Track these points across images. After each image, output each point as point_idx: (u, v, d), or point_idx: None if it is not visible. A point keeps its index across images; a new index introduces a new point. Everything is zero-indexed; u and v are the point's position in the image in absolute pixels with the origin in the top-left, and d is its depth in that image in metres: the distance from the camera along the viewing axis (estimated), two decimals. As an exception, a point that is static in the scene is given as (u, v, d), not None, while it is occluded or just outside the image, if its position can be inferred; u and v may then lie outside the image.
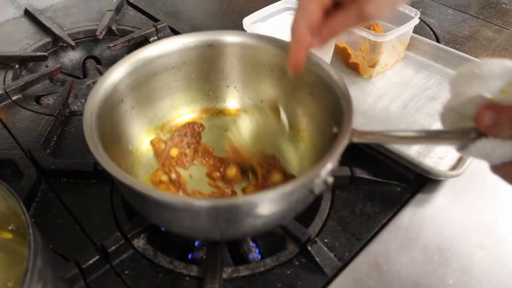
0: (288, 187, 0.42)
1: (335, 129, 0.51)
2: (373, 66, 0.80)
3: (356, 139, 0.47)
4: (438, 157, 0.66)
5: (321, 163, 0.44)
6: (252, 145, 0.60)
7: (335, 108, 0.52)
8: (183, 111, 0.68)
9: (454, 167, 0.64)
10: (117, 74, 0.57)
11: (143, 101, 0.62)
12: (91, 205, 0.61)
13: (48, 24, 0.98)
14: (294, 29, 0.49)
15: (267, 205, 0.45)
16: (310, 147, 0.61)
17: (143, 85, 0.61)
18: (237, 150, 0.60)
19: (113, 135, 0.56)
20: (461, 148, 0.43)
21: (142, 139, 0.63)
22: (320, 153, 0.56)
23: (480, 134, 0.40)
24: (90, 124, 0.49)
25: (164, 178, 0.60)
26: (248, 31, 0.77)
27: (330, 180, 0.46)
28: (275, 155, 0.62)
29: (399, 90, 0.80)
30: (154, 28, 0.97)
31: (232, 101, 0.68)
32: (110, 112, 0.55)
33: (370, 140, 0.51)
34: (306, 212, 0.60)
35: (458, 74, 0.42)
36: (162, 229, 0.60)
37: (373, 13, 0.44)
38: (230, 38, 0.63)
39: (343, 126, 0.48)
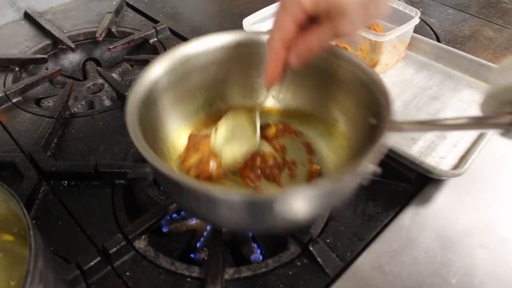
0: (339, 179, 0.42)
1: (372, 121, 0.50)
2: (373, 66, 0.80)
3: (397, 130, 0.47)
4: (440, 157, 0.66)
5: (367, 154, 0.43)
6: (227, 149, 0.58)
7: (369, 100, 0.51)
8: (221, 108, 0.66)
9: (456, 167, 0.64)
10: (157, 70, 0.56)
11: (181, 96, 0.61)
12: (92, 207, 0.60)
13: (48, 26, 0.98)
14: (269, 45, 0.49)
15: (322, 197, 0.44)
16: (344, 140, 0.60)
17: (183, 81, 0.60)
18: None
19: (150, 128, 0.55)
20: (504, 134, 0.43)
21: (179, 134, 0.62)
22: (355, 145, 0.55)
23: None
24: (132, 115, 0.48)
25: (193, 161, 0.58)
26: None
27: (374, 168, 0.46)
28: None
29: (400, 90, 0.80)
30: (154, 30, 0.97)
31: (270, 100, 0.67)
32: (150, 106, 0.54)
33: (413, 129, 0.50)
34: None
35: (499, 66, 0.43)
36: (164, 230, 0.60)
37: (347, 30, 0.45)
38: (264, 38, 0.60)
39: (384, 117, 0.47)
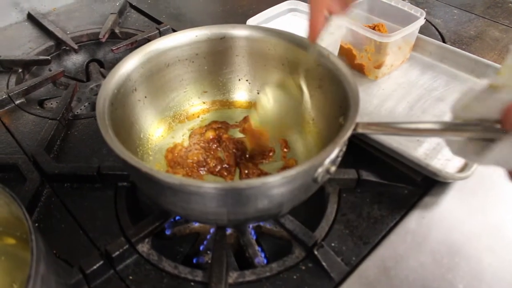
0: (291, 172, 0.42)
1: (341, 120, 0.52)
2: (378, 67, 0.79)
3: (360, 130, 0.48)
4: (446, 159, 0.65)
5: (325, 151, 0.44)
6: (273, 123, 0.60)
7: (342, 100, 0.53)
8: (195, 102, 0.69)
9: (462, 169, 0.64)
10: (131, 63, 0.58)
11: (156, 91, 0.64)
12: (94, 210, 0.60)
13: (51, 27, 0.98)
14: None
15: (270, 189, 0.45)
16: (317, 139, 0.62)
17: (156, 75, 0.63)
18: (256, 131, 0.61)
19: (126, 122, 0.58)
20: (475, 153, 0.42)
21: (154, 128, 0.65)
22: (326, 144, 0.56)
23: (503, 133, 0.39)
24: (103, 110, 0.50)
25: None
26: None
27: (333, 169, 0.47)
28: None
29: (405, 91, 0.79)
30: (157, 31, 0.96)
31: (242, 93, 0.70)
32: (123, 100, 0.56)
33: (375, 131, 0.51)
34: (312, 216, 0.60)
35: (459, 104, 0.43)
36: (167, 232, 0.60)
37: None
38: (241, 31, 0.65)
39: (349, 117, 0.48)
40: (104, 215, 0.59)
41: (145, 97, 0.62)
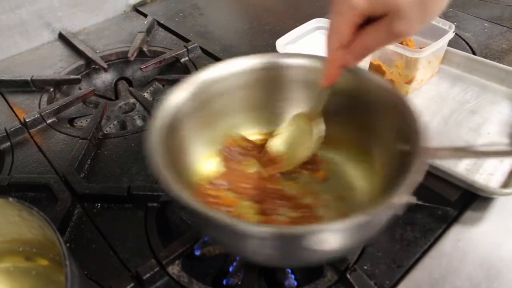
0: (373, 213, 0.40)
1: (405, 147, 0.48)
2: (409, 82, 0.78)
3: (432, 157, 0.46)
4: (488, 174, 0.63)
5: (399, 188, 0.42)
6: (287, 153, 0.60)
7: (400, 126, 0.50)
8: (247, 132, 0.65)
9: (506, 184, 0.62)
10: (180, 95, 0.56)
11: (205, 122, 0.60)
12: (125, 230, 0.60)
13: (81, 47, 1.00)
14: (328, 48, 0.49)
15: (355, 230, 0.42)
16: (377, 167, 0.58)
17: (206, 106, 0.59)
18: (273, 158, 0.61)
19: (175, 156, 0.53)
20: None
21: (204, 161, 0.61)
22: (387, 171, 0.53)
23: None
24: (155, 148, 0.47)
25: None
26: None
27: (412, 200, 0.44)
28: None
29: (437, 106, 0.78)
30: (185, 49, 0.97)
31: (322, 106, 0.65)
32: (173, 132, 0.54)
33: (446, 157, 0.49)
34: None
35: None
36: (196, 253, 0.60)
37: (403, 30, 0.43)
38: (288, 60, 0.61)
39: (415, 144, 0.45)
40: (134, 236, 0.59)
41: (194, 129, 0.59)
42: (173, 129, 0.53)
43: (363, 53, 0.48)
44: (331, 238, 0.42)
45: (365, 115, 0.58)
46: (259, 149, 0.64)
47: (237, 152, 0.63)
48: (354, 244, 0.47)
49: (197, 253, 0.60)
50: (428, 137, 0.45)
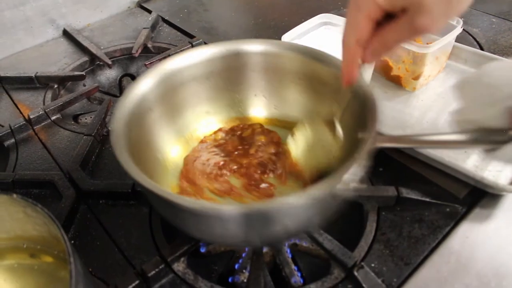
0: (310, 193, 0.41)
1: (361, 134, 0.49)
2: (416, 78, 0.77)
3: (380, 144, 0.46)
4: (497, 170, 0.62)
5: (342, 168, 0.42)
6: (306, 160, 0.60)
7: (360, 113, 0.50)
8: (211, 120, 0.68)
9: None
10: (146, 84, 0.58)
11: (171, 110, 0.63)
12: (129, 227, 0.60)
13: (85, 43, 1.00)
14: (344, 44, 0.47)
15: (291, 211, 0.43)
16: (337, 153, 0.58)
17: (171, 94, 0.62)
18: (293, 164, 0.61)
19: (142, 143, 0.57)
20: (488, 151, 0.41)
21: (171, 146, 0.63)
22: (345, 159, 0.53)
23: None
24: (118, 132, 0.49)
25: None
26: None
27: (354, 185, 0.44)
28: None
29: (445, 101, 0.77)
30: (190, 45, 0.97)
31: (260, 109, 0.69)
32: (139, 120, 0.56)
33: (396, 145, 0.49)
34: (350, 234, 0.58)
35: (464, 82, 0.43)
36: (202, 250, 0.59)
37: (426, 25, 0.41)
38: (255, 46, 0.63)
39: (367, 130, 0.46)
40: (139, 232, 0.59)
41: (161, 116, 0.61)
42: (139, 117, 0.55)
43: (382, 51, 0.46)
44: (282, 215, 0.43)
45: (330, 102, 0.59)
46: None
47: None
48: (310, 221, 0.48)
49: (203, 250, 0.59)
50: (379, 124, 0.46)
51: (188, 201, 0.43)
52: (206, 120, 0.67)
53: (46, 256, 0.51)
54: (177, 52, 0.93)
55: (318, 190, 0.41)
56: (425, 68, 0.75)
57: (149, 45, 1.01)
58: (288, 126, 0.64)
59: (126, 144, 0.49)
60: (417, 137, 0.46)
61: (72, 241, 0.59)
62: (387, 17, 0.44)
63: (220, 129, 0.67)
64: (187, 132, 0.66)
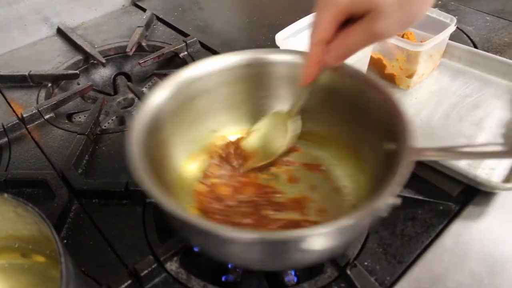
0: (354, 217, 0.39)
1: (391, 146, 0.47)
2: (410, 76, 0.77)
3: (418, 158, 0.44)
4: (490, 168, 0.63)
5: (384, 191, 0.40)
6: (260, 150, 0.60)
7: (388, 125, 0.49)
8: (230, 131, 0.65)
9: (507, 179, 0.61)
10: (161, 95, 0.55)
11: (188, 121, 0.60)
12: (123, 226, 0.60)
13: (79, 42, 0.99)
14: (309, 43, 0.48)
15: (339, 233, 0.42)
16: (360, 165, 0.57)
17: (185, 108, 0.58)
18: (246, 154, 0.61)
19: (157, 158, 0.53)
20: None
21: (184, 164, 0.60)
22: (372, 170, 0.53)
23: None
24: (137, 152, 0.46)
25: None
26: (281, 47, 0.75)
27: (397, 201, 0.42)
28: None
29: (439, 99, 0.77)
30: (184, 43, 0.96)
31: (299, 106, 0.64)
32: (153, 133, 0.52)
33: (432, 158, 0.48)
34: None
35: None
36: (195, 249, 0.59)
37: (382, 30, 0.42)
38: (272, 56, 0.60)
39: (405, 145, 0.44)
40: (132, 232, 0.59)
41: (173, 132, 0.58)
42: (155, 129, 0.52)
43: (344, 53, 0.47)
44: (316, 241, 0.41)
45: (352, 113, 0.57)
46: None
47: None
48: (340, 246, 0.47)
49: (196, 249, 0.59)
50: (414, 136, 0.45)
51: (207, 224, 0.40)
52: (224, 132, 0.64)
53: (38, 256, 0.50)
54: (171, 51, 0.94)
55: (362, 214, 0.39)
56: (419, 66, 0.75)
57: (144, 44, 1.00)
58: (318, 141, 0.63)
59: (143, 161, 0.46)
60: (456, 149, 0.46)
61: (65, 241, 0.59)
62: (351, 21, 0.45)
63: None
64: (201, 147, 0.62)
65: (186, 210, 0.42)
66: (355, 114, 0.57)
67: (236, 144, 0.63)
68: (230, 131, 0.65)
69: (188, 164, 0.61)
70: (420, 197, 0.60)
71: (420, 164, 0.62)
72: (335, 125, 0.60)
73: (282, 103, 0.62)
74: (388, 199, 0.41)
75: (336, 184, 0.58)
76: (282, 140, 0.59)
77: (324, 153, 0.62)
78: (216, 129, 0.64)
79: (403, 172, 0.41)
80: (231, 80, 0.61)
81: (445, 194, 0.60)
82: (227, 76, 0.60)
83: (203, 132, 0.62)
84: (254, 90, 0.63)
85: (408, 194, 0.60)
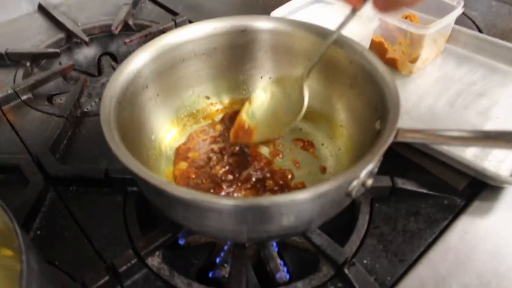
0: (323, 187, 0.37)
1: (377, 126, 0.46)
2: (413, 61, 0.72)
3: (401, 138, 0.43)
4: (498, 160, 0.59)
5: (361, 162, 0.39)
6: (263, 124, 0.58)
7: (379, 102, 0.47)
8: (212, 101, 0.64)
9: None
10: (141, 58, 0.53)
11: (169, 88, 0.58)
12: (101, 217, 0.55)
13: (61, 19, 0.94)
14: None
15: (297, 206, 0.40)
16: (348, 144, 0.56)
17: (170, 71, 0.57)
18: (246, 130, 0.59)
19: (135, 123, 0.52)
20: None
21: (167, 129, 0.60)
22: (359, 151, 0.52)
23: None
24: (109, 110, 0.45)
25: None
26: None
27: (370, 182, 0.41)
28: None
29: (443, 86, 0.73)
30: (173, 22, 0.91)
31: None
32: (132, 98, 0.51)
33: (417, 140, 0.47)
34: (341, 227, 0.54)
35: None
36: (180, 242, 0.55)
37: None
38: (264, 24, 0.59)
39: (388, 123, 0.43)
40: (111, 223, 0.54)
41: (157, 95, 0.56)
42: (132, 93, 0.51)
43: None
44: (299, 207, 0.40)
45: (345, 88, 0.56)
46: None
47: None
48: (317, 215, 0.44)
49: (181, 242, 0.55)
50: (399, 116, 0.43)
51: (184, 191, 0.38)
52: (206, 101, 0.64)
53: (5, 250, 0.46)
54: (159, 30, 0.89)
55: (330, 185, 0.37)
56: (422, 50, 0.71)
57: (130, 22, 0.95)
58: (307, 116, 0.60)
59: (117, 125, 0.44)
60: (442, 132, 0.44)
61: (38, 232, 0.54)
62: None
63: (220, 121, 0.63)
64: (185, 113, 0.62)
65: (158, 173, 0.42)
66: (347, 88, 0.55)
67: (238, 117, 0.61)
68: (224, 99, 0.64)
69: (170, 129, 0.60)
70: (424, 190, 0.56)
71: (424, 155, 0.59)
72: (332, 102, 0.58)
73: (266, 71, 0.62)
74: (356, 176, 0.39)
75: (321, 163, 0.58)
76: (298, 106, 0.56)
77: (316, 130, 0.61)
78: (209, 95, 0.63)
79: (377, 150, 0.40)
80: (222, 46, 0.59)
81: (450, 188, 0.56)
82: (217, 41, 0.59)
83: (189, 97, 0.62)
84: (244, 58, 0.61)
85: (411, 187, 0.56)
